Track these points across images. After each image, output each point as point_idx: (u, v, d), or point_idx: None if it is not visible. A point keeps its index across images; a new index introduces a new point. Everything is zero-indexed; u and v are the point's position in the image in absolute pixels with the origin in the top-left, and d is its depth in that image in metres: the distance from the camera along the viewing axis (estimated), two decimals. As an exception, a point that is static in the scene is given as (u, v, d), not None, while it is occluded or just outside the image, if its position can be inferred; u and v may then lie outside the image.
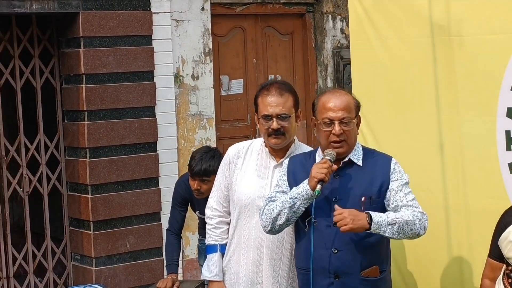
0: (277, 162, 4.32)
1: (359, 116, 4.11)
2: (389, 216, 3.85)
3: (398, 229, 3.84)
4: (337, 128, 3.94)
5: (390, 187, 3.99)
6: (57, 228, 7.00)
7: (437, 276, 4.79)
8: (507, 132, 4.42)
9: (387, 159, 4.11)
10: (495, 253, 4.03)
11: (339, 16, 7.93)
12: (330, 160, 3.91)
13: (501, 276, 4.01)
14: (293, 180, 4.07)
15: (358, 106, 4.10)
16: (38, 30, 6.80)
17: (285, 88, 4.34)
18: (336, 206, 3.86)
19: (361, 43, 5.11)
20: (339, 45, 8.03)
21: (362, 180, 4.01)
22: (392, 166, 4.05)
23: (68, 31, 6.72)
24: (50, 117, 6.94)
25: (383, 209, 3.98)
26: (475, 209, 4.58)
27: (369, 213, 3.84)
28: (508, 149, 4.42)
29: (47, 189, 6.89)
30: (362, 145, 4.17)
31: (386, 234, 3.85)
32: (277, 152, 4.34)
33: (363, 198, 3.92)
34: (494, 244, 4.04)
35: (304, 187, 3.89)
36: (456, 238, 4.66)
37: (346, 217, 3.79)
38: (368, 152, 4.15)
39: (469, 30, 4.56)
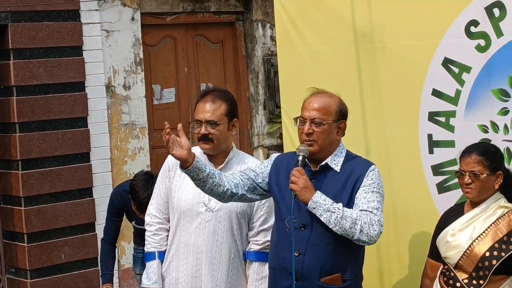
0: (215, 168, 4.41)
1: (344, 122, 4.07)
2: (332, 206, 3.84)
3: (335, 219, 3.81)
4: (306, 126, 3.95)
5: (359, 191, 3.96)
6: (-10, 240, 7.00)
7: (369, 271, 4.86)
8: (429, 136, 4.57)
9: (367, 165, 4.06)
10: (434, 253, 4.16)
11: (269, 24, 8.04)
12: (304, 156, 3.94)
13: (439, 276, 4.13)
14: (275, 176, 4.14)
15: (342, 111, 4.06)
16: None
17: (221, 96, 4.41)
18: (296, 171, 3.90)
19: (288, 50, 5.22)
20: (269, 52, 8.16)
21: (336, 186, 3.99)
22: (367, 172, 3.99)
23: None
24: None
25: None
26: (401, 210, 4.71)
27: (318, 192, 3.89)
28: (430, 152, 4.56)
29: (-22, 202, 6.90)
30: (348, 151, 4.13)
31: (322, 219, 3.84)
32: (215, 159, 4.42)
33: None
34: (433, 244, 4.16)
35: None
36: (385, 238, 4.76)
37: (299, 182, 3.86)
38: (350, 158, 4.09)
39: (391, 37, 4.70)
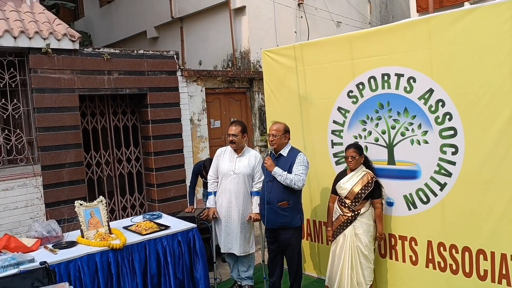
0: (237, 155, 4.40)
1: (288, 134, 4.09)
2: (282, 173, 3.89)
3: (283, 179, 3.89)
4: (271, 137, 4.02)
5: (294, 165, 3.97)
6: (140, 187, 6.97)
7: (306, 201, 4.81)
8: (332, 140, 4.56)
9: (297, 153, 4.03)
10: (334, 192, 4.18)
11: (261, 92, 8.04)
12: (271, 152, 4.02)
13: (336, 201, 4.15)
14: (263, 165, 4.19)
15: (286, 130, 4.09)
16: (129, 101, 6.76)
17: (238, 123, 4.42)
18: (266, 158, 3.98)
19: (269, 103, 5.18)
20: (260, 105, 8.09)
21: (284, 162, 4.01)
22: (297, 156, 4.00)
23: (143, 100, 6.67)
24: (135, 139, 6.89)
25: None
26: (320, 172, 4.65)
27: (276, 167, 3.93)
28: (332, 147, 4.56)
29: (135, 170, 6.87)
30: (292, 146, 4.12)
31: (277, 178, 3.90)
32: (237, 151, 4.41)
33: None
34: (333, 187, 4.18)
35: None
36: (312, 186, 4.76)
37: (268, 162, 3.95)
38: (292, 150, 4.08)
39: (315, 97, 4.67)
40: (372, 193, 3.95)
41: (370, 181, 3.95)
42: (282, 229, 4.03)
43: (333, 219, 4.13)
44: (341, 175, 4.14)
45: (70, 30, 5.85)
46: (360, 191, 3.94)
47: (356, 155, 3.98)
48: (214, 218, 4.45)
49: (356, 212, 3.96)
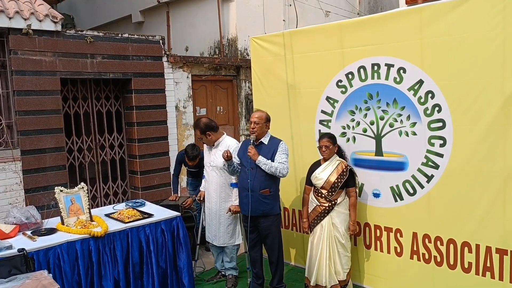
0: (211, 147, 4.38)
1: (269, 123, 4.06)
2: (266, 162, 3.86)
3: (268, 167, 3.87)
4: (252, 125, 3.97)
5: (276, 154, 3.95)
6: (123, 174, 6.85)
7: (288, 189, 4.83)
8: (319, 130, 4.53)
9: (278, 141, 4.03)
10: (308, 182, 4.17)
11: (248, 81, 7.95)
12: (253, 140, 3.97)
13: (312, 192, 4.12)
14: (241, 151, 4.13)
15: (267, 118, 4.05)
16: (112, 86, 6.61)
17: (195, 125, 4.41)
18: (250, 147, 3.92)
19: (257, 92, 5.13)
20: (247, 94, 8.01)
21: (266, 151, 3.98)
22: (279, 145, 3.99)
23: (127, 86, 6.53)
24: (119, 125, 6.75)
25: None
26: (306, 161, 4.60)
27: (260, 156, 3.89)
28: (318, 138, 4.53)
29: (118, 157, 6.73)
30: (271, 135, 4.09)
31: (262, 167, 3.88)
32: (212, 143, 4.40)
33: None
34: (308, 179, 4.17)
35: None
36: (298, 175, 4.74)
37: (252, 151, 3.89)
38: (272, 138, 4.06)
39: (303, 86, 4.63)
40: (347, 181, 3.97)
41: (344, 169, 3.96)
42: (263, 217, 4.03)
43: (309, 210, 4.13)
44: (315, 165, 4.13)
45: (53, 11, 5.66)
46: (336, 181, 3.95)
47: (330, 144, 3.98)
48: (201, 201, 4.60)
49: (333, 202, 3.97)
